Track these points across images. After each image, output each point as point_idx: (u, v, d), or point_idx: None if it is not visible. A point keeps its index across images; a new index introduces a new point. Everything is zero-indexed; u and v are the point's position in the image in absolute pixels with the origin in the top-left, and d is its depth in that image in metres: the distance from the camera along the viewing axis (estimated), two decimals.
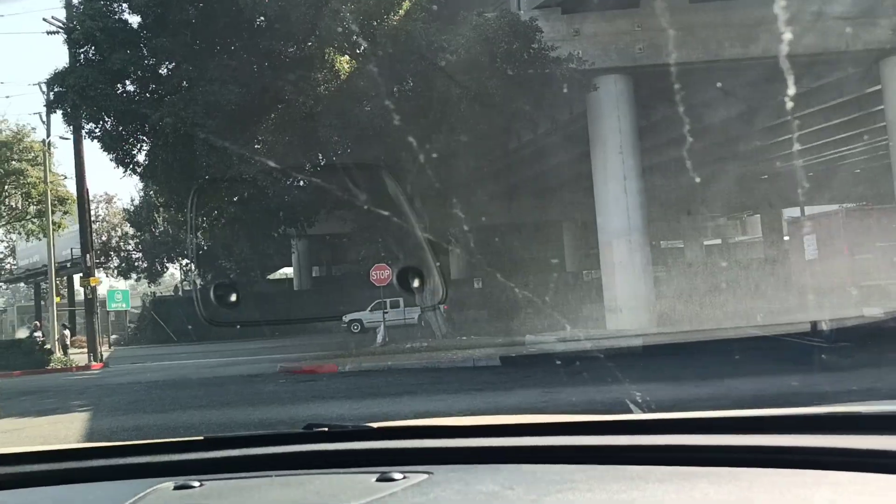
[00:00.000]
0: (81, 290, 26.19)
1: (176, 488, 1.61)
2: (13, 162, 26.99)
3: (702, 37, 17.97)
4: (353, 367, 15.92)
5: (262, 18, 17.96)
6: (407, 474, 1.55)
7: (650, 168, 20.59)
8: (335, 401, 11.44)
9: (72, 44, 18.27)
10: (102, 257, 40.88)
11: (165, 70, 18.80)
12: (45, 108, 26.55)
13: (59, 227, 28.52)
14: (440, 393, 11.68)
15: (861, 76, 20.63)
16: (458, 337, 20.59)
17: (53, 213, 26.96)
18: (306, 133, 17.64)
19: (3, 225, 30.42)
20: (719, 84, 20.15)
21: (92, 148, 40.32)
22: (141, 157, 19.04)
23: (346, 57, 17.89)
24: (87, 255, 24.39)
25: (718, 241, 46.28)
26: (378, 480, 1.54)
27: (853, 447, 1.45)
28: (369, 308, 29.20)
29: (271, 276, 49.22)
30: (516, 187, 31.40)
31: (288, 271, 47.81)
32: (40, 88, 25.86)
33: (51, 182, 26.91)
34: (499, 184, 28.26)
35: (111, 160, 18.86)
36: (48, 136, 28.38)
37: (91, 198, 35.01)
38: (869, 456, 1.41)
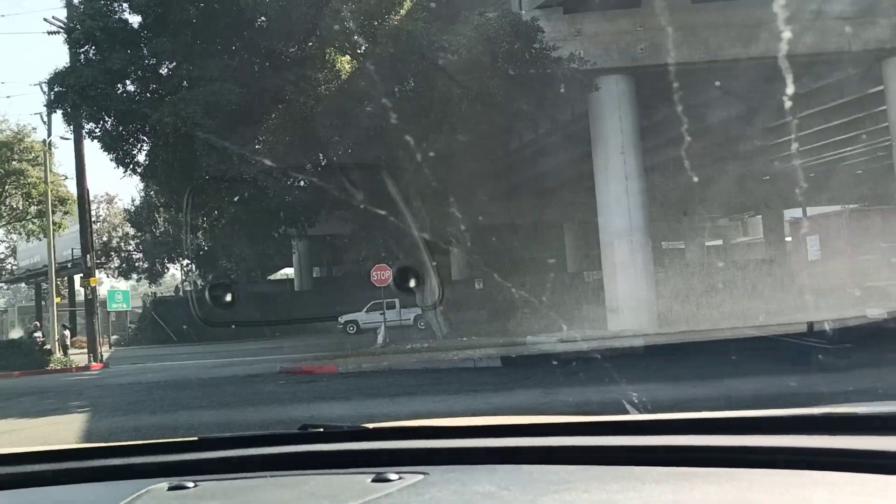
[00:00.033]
0: (82, 290, 26.18)
1: (170, 489, 1.60)
2: (14, 162, 26.99)
3: (703, 37, 17.93)
4: (353, 367, 15.88)
5: (262, 18, 17.94)
6: (402, 475, 1.55)
7: (652, 168, 20.54)
8: (335, 402, 11.40)
9: (72, 43, 18.26)
10: (103, 258, 40.89)
11: (166, 70, 18.79)
12: (45, 109, 26.54)
13: (60, 227, 28.51)
14: (441, 394, 11.64)
15: (863, 76, 20.58)
16: (458, 338, 20.54)
17: (54, 213, 26.95)
18: (307, 133, 17.61)
19: (4, 225, 30.41)
20: (721, 84, 20.11)
21: (93, 148, 40.31)
22: (141, 157, 19.05)
23: (347, 57, 17.86)
24: (88, 256, 24.38)
25: (720, 242, 46.26)
26: (374, 481, 1.54)
27: (850, 448, 1.45)
28: (365, 309, 29.18)
29: (272, 277, 49.23)
30: (517, 188, 31.37)
31: (289, 272, 47.82)
32: (41, 88, 25.83)
33: (51, 182, 26.91)
34: (500, 184, 28.25)
35: (111, 160, 18.85)
36: (49, 136, 28.42)
37: (92, 198, 35.05)
38: (866, 456, 1.41)
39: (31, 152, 27.37)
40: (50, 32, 22.87)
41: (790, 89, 21.00)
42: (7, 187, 27.65)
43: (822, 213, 19.80)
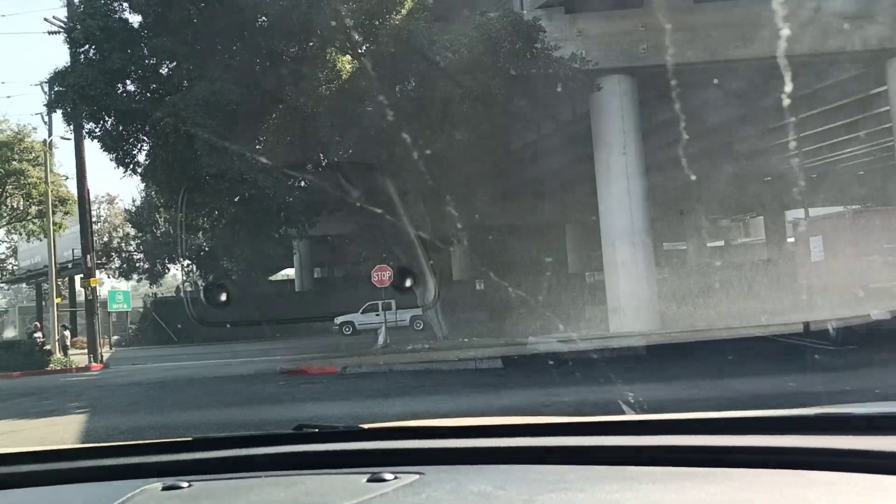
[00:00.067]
0: (83, 290, 26.14)
1: (164, 489, 1.59)
2: (14, 162, 26.94)
3: (705, 37, 17.87)
4: (353, 368, 15.82)
5: (263, 18, 17.88)
6: (398, 475, 1.54)
7: (653, 169, 20.45)
8: (335, 402, 11.34)
9: (72, 43, 18.21)
10: (104, 258, 40.87)
11: (166, 69, 18.74)
12: (45, 109, 26.50)
13: (60, 227, 28.46)
14: (442, 395, 11.58)
15: (865, 76, 20.52)
16: (459, 338, 20.48)
17: (54, 213, 26.90)
18: (307, 133, 17.56)
19: (5, 225, 30.37)
20: (723, 84, 20.04)
21: (93, 148, 40.33)
22: (141, 157, 18.99)
23: (348, 57, 17.80)
24: (88, 256, 24.33)
25: (721, 243, 46.18)
26: (369, 481, 1.53)
27: (846, 448, 1.46)
28: (361, 310, 29.13)
29: (273, 278, 49.18)
30: (518, 188, 31.32)
31: (290, 272, 47.78)
32: (42, 88, 25.79)
33: (52, 182, 26.85)
34: (500, 184, 28.18)
35: (111, 160, 18.80)
36: (50, 136, 28.38)
37: (93, 198, 35.03)
38: (861, 456, 1.42)
39: (31, 152, 27.32)
40: (50, 32, 22.88)
41: (792, 89, 20.97)
42: (8, 187, 27.61)
43: (825, 214, 19.72)
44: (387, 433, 1.88)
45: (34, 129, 36.18)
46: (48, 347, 24.28)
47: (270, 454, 1.77)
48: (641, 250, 18.29)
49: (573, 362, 13.60)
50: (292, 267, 45.24)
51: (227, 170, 16.96)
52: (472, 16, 16.72)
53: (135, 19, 18.46)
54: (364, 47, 17.08)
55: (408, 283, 17.88)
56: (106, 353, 27.73)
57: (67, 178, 29.14)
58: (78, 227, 26.03)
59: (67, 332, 28.56)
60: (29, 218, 29.00)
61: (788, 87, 20.07)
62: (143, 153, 18.81)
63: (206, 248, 34.51)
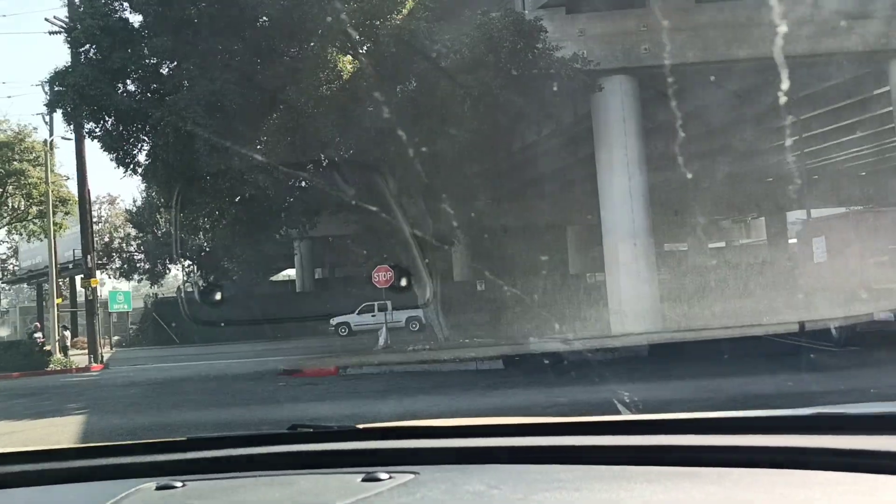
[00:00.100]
0: (83, 291, 26.10)
1: (158, 488, 1.60)
2: (14, 162, 26.92)
3: (708, 37, 17.80)
4: (354, 369, 15.76)
5: (264, 18, 17.83)
6: (393, 474, 1.54)
7: (655, 169, 20.38)
8: (334, 403, 11.28)
9: (72, 43, 18.17)
10: (105, 258, 40.83)
11: (166, 69, 18.68)
12: (46, 109, 26.44)
13: (61, 227, 28.43)
14: (442, 396, 11.53)
15: (868, 77, 20.46)
16: (460, 339, 20.42)
17: (55, 213, 26.86)
18: (308, 133, 17.50)
19: (5, 226, 30.35)
20: (725, 85, 19.98)
21: (95, 149, 40.27)
22: (142, 157, 18.93)
23: (349, 57, 17.75)
24: (88, 257, 24.29)
25: (723, 244, 46.11)
26: (364, 480, 1.53)
27: (841, 447, 1.46)
28: (357, 311, 29.08)
29: (275, 278, 49.16)
30: (519, 189, 31.26)
31: (291, 273, 47.75)
32: (43, 89, 25.76)
33: (52, 182, 26.81)
34: (501, 185, 28.10)
35: (111, 160, 18.73)
36: (51, 135, 28.35)
37: (94, 199, 35.01)
38: (857, 456, 1.42)
39: (32, 152, 27.30)
40: (51, 32, 22.86)
41: (794, 90, 20.91)
42: (8, 187, 27.59)
43: (828, 216, 19.70)
44: (382, 433, 1.87)
45: (35, 129, 36.08)
46: (48, 348, 24.23)
47: (265, 454, 1.77)
48: (643, 251, 18.23)
49: (574, 363, 13.56)
50: (293, 268, 45.22)
51: (227, 170, 16.91)
52: (473, 16, 16.66)
53: (135, 19, 18.43)
54: (365, 47, 17.03)
55: (407, 283, 17.85)
56: (106, 353, 27.69)
57: (68, 178, 29.14)
58: (79, 227, 26.00)
59: (67, 333, 28.53)
60: (29, 218, 28.98)
61: (791, 88, 20.04)
62: (144, 153, 18.77)
63: (207, 249, 34.44)
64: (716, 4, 17.90)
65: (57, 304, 26.72)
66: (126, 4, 18.13)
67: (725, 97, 21.38)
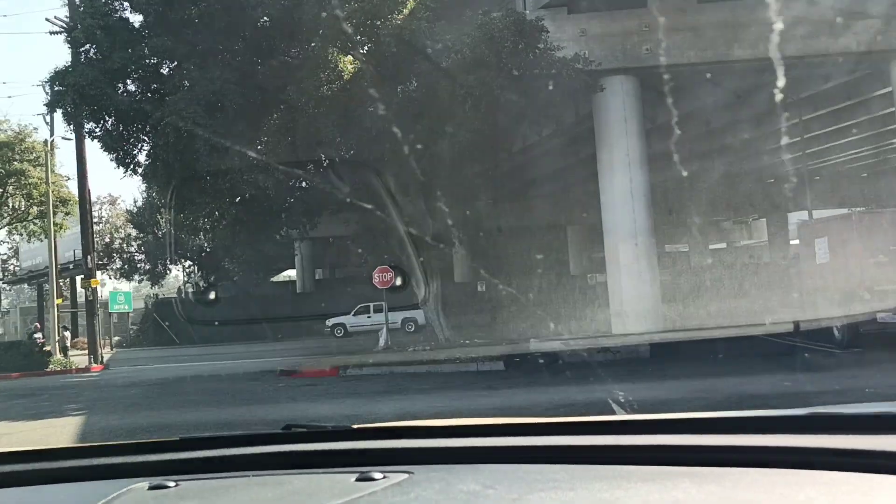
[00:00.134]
0: (83, 291, 26.06)
1: (151, 488, 1.59)
2: (15, 162, 26.89)
3: (709, 37, 17.74)
4: (354, 370, 15.71)
5: (265, 18, 17.80)
6: (387, 474, 1.54)
7: (655, 171, 20.33)
8: (333, 404, 11.23)
9: (73, 43, 18.15)
10: (105, 259, 40.80)
11: (167, 69, 18.66)
12: (46, 109, 26.40)
13: (61, 228, 28.39)
14: (442, 397, 11.49)
15: (870, 78, 20.40)
16: (460, 340, 20.37)
17: (55, 214, 26.82)
18: (308, 134, 17.47)
19: (6, 226, 30.33)
20: (726, 85, 19.92)
21: (95, 149, 40.32)
22: (142, 158, 18.91)
23: (350, 57, 17.71)
24: (89, 257, 24.26)
25: (723, 245, 46.06)
26: (358, 480, 1.52)
27: (838, 447, 1.46)
28: (353, 312, 29.05)
29: (275, 279, 49.14)
30: (520, 190, 31.22)
31: (292, 273, 47.74)
32: (43, 89, 25.74)
33: (53, 183, 26.77)
34: (502, 186, 28.06)
35: (112, 160, 18.71)
36: (51, 135, 28.33)
37: (95, 199, 34.97)
38: (853, 456, 1.42)
39: (32, 152, 27.28)
40: (52, 32, 22.83)
41: (796, 91, 20.87)
42: (9, 188, 27.55)
43: (831, 216, 19.63)
44: (376, 433, 1.87)
45: (35, 129, 36.11)
46: (48, 348, 24.19)
47: (258, 454, 1.76)
48: (644, 251, 18.17)
49: (576, 364, 13.51)
50: (294, 268, 45.20)
51: (227, 169, 16.88)
52: (475, 16, 16.61)
53: (135, 19, 18.43)
54: (365, 47, 16.99)
55: (407, 284, 17.80)
56: (106, 353, 27.66)
57: (69, 178, 29.11)
58: (79, 227, 25.97)
59: (67, 333, 28.49)
60: (30, 218, 28.96)
61: (792, 89, 19.99)
62: (144, 153, 18.75)
63: (208, 250, 34.43)
64: (718, 4, 17.84)
65: (57, 305, 26.67)
66: (126, 4, 18.12)
67: (726, 97, 21.33)
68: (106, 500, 1.52)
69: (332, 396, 12.20)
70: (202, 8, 17.39)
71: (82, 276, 25.58)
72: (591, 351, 14.58)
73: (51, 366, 22.79)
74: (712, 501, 1.32)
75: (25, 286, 50.23)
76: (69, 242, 31.89)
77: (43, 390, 16.40)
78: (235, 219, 19.95)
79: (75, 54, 18.29)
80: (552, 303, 21.92)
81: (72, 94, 16.93)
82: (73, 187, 28.10)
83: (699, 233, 35.68)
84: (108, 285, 43.06)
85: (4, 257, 45.38)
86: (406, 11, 16.59)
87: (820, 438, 1.52)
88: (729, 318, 18.08)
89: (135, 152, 18.80)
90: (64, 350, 25.70)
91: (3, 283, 45.40)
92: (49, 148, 27.07)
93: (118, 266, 43.11)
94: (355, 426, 1.90)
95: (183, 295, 35.65)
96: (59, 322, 26.77)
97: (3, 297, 46.51)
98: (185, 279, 43.87)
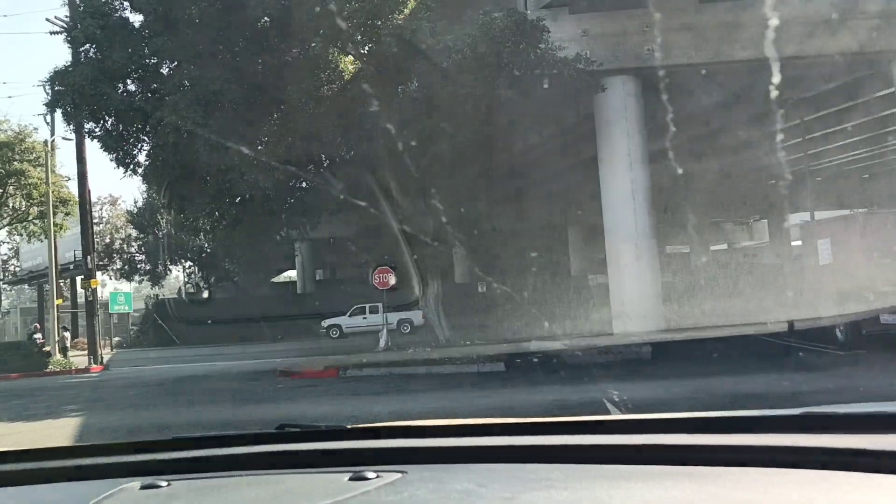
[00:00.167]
0: (83, 292, 26.01)
1: (142, 488, 1.59)
2: (15, 162, 26.86)
3: (711, 38, 17.70)
4: (353, 371, 15.65)
5: (265, 18, 17.75)
6: (380, 473, 1.54)
7: (656, 171, 20.28)
8: (333, 404, 11.18)
9: (73, 42, 18.12)
10: (105, 259, 40.77)
11: (167, 69, 18.61)
12: (47, 108, 26.38)
13: (61, 228, 28.35)
14: (442, 398, 11.43)
15: (873, 79, 20.34)
16: (460, 341, 20.30)
17: (55, 214, 26.79)
18: (309, 134, 17.42)
19: (6, 226, 30.29)
20: (728, 86, 19.86)
21: (95, 149, 40.30)
22: (142, 158, 18.88)
23: (350, 57, 17.67)
24: (89, 258, 24.21)
25: (725, 246, 46.01)
26: (351, 479, 1.52)
27: (833, 446, 1.47)
28: (348, 313, 29.00)
29: (276, 280, 49.11)
30: (521, 190, 31.17)
31: (292, 274, 47.73)
32: (44, 89, 25.72)
33: (53, 183, 26.74)
34: (503, 187, 28.02)
35: (111, 160, 18.67)
36: (52, 136, 28.29)
37: (95, 200, 34.94)
38: (849, 455, 1.43)
39: (32, 153, 27.24)
40: (52, 32, 22.80)
41: (798, 91, 20.82)
42: (9, 188, 27.52)
43: (833, 217, 19.58)
44: (369, 433, 1.87)
45: (35, 129, 36.09)
46: (48, 349, 24.15)
47: (252, 453, 1.76)
48: (645, 252, 18.12)
49: (576, 365, 13.46)
50: (294, 269, 45.18)
51: (227, 170, 16.82)
52: (476, 16, 16.55)
53: (135, 19, 18.40)
54: (366, 47, 16.94)
55: (407, 285, 17.73)
56: (106, 354, 27.62)
57: (69, 178, 29.08)
58: (79, 228, 25.93)
59: (67, 334, 28.45)
60: (30, 219, 28.93)
61: (793, 89, 19.94)
62: (144, 153, 18.72)
63: (208, 250, 34.39)
64: (720, 5, 17.79)
65: (57, 305, 26.63)
66: (126, 4, 18.09)
67: (727, 98, 21.28)
68: (97, 500, 1.51)
69: (331, 397, 12.16)
70: (202, 8, 17.34)
71: (82, 277, 25.54)
72: (591, 352, 14.54)
73: (50, 366, 22.75)
74: (707, 500, 1.32)
75: (26, 286, 50.24)
76: (69, 243, 31.85)
77: (42, 391, 16.36)
78: (235, 219, 19.90)
79: (75, 54, 18.25)
80: (553, 303, 21.86)
81: (72, 93, 16.90)
82: (73, 187, 28.10)
83: (700, 234, 35.64)
84: (108, 286, 43.07)
85: (5, 258, 45.39)
86: (407, 11, 16.53)
87: (816, 438, 1.53)
88: (730, 320, 18.01)
89: (135, 152, 18.77)
90: (64, 350, 25.66)
91: (3, 284, 45.40)
92: (49, 148, 27.03)
93: (118, 266, 43.08)
94: (349, 426, 1.89)
95: (183, 296, 35.59)
96: (58, 322, 26.73)
97: (3, 298, 46.47)
98: (186, 280, 43.84)
